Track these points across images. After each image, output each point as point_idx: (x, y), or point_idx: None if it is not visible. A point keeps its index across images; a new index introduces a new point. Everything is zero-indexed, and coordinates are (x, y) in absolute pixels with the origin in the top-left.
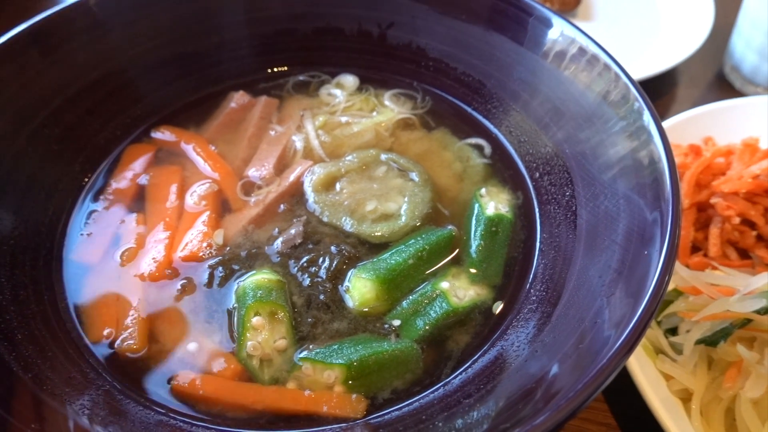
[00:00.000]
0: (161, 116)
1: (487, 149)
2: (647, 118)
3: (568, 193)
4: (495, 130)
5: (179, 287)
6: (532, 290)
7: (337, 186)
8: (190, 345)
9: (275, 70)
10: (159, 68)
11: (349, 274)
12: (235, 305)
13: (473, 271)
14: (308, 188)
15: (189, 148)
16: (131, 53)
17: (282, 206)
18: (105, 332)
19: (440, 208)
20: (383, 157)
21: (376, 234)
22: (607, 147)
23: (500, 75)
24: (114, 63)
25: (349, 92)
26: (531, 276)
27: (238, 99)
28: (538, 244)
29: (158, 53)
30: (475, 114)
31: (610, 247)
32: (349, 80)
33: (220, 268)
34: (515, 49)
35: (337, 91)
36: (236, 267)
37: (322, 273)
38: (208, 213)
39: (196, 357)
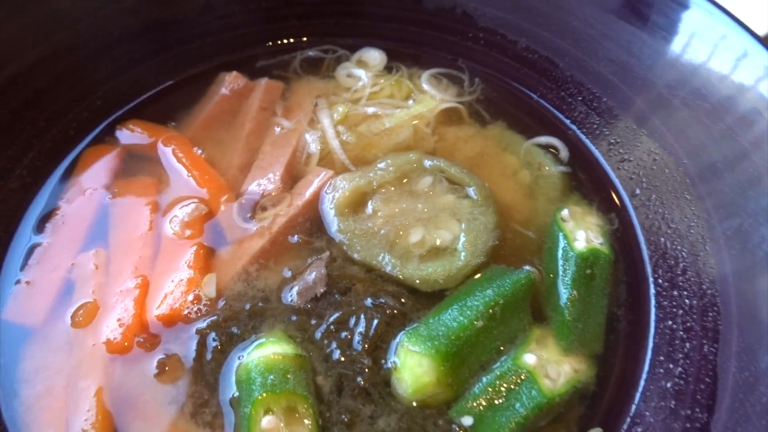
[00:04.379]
0: (129, 108)
1: (564, 152)
2: None
3: (694, 219)
4: (572, 127)
5: (156, 364)
6: (659, 371)
7: (369, 206)
8: None
9: (279, 42)
10: (125, 42)
11: (395, 342)
12: (236, 394)
13: (565, 334)
14: (330, 210)
15: (167, 152)
16: (85, 23)
17: (295, 237)
18: None
19: (508, 238)
20: (427, 163)
21: (428, 278)
22: (751, 157)
23: (579, 52)
24: (62, 37)
25: (375, 72)
26: (649, 345)
27: (230, 82)
28: (652, 295)
29: (123, 21)
30: (543, 103)
31: None
32: (375, 56)
33: (214, 334)
34: (602, 18)
35: (360, 72)
36: (236, 331)
37: (357, 342)
38: (194, 248)
39: None
